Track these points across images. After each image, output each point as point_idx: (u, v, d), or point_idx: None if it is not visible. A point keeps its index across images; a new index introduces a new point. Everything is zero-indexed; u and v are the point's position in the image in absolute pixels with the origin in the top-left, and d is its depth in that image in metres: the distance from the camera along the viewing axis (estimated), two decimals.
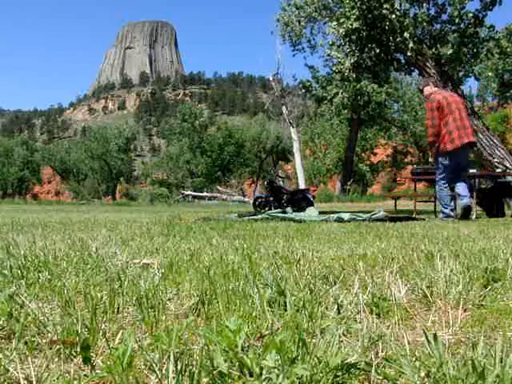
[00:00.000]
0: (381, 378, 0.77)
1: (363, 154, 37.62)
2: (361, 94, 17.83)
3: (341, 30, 9.04)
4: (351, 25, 8.77)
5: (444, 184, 5.99)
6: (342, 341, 0.94)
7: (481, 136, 8.61)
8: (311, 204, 10.79)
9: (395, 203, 8.95)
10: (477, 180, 8.59)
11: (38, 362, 0.85)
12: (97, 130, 51.59)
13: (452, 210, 6.02)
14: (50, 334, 0.98)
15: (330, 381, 0.72)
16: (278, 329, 1.00)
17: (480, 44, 9.17)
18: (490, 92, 29.33)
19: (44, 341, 0.95)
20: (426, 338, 0.82)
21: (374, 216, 5.63)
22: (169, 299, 1.32)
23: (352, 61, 9.23)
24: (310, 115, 35.76)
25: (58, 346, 0.90)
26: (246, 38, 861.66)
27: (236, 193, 32.02)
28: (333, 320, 1.05)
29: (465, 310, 1.23)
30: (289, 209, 6.62)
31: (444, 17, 8.98)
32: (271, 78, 20.92)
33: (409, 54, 8.79)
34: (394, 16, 8.54)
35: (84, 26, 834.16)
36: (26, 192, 54.50)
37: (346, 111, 19.45)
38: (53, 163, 56.95)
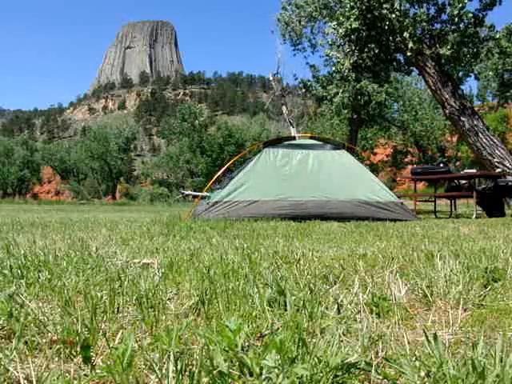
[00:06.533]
0: (381, 377, 0.77)
1: (363, 154, 37.60)
2: (361, 94, 17.82)
3: (340, 30, 9.04)
4: (350, 25, 8.76)
5: None
6: (342, 340, 0.94)
7: (481, 136, 8.61)
8: None
9: None
10: (477, 180, 8.61)
11: (37, 361, 0.85)
12: (97, 129, 51.58)
13: None
14: (49, 334, 0.98)
15: (329, 381, 0.72)
16: (278, 329, 1.00)
17: (480, 44, 9.16)
18: (490, 92, 29.32)
19: (44, 340, 0.95)
20: (426, 337, 0.82)
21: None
22: (169, 299, 1.32)
23: (351, 61, 9.22)
24: (310, 115, 35.74)
25: (57, 346, 0.90)
26: (246, 37, 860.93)
27: None
28: (333, 320, 1.05)
29: (465, 310, 1.23)
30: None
31: (444, 17, 8.97)
32: (271, 78, 20.90)
33: (408, 54, 8.79)
34: (393, 16, 8.54)
35: (84, 25, 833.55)
36: (26, 192, 54.50)
37: (346, 111, 19.42)
38: (53, 163, 56.99)
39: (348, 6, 8.82)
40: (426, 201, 10.61)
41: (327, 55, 11.17)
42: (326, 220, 5.49)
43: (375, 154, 40.17)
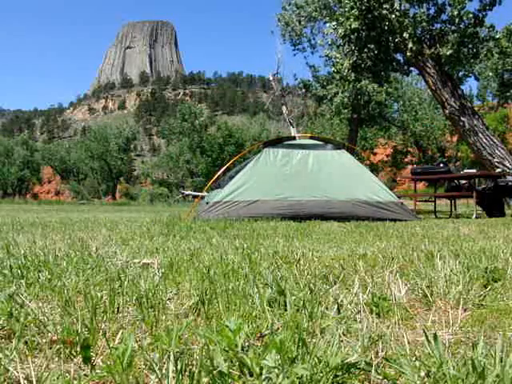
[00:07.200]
0: (381, 377, 0.77)
1: (363, 154, 37.58)
2: (361, 94, 17.83)
3: (340, 30, 9.03)
4: (350, 25, 8.76)
5: None
6: (342, 340, 0.95)
7: (481, 136, 8.60)
8: None
9: None
10: (477, 180, 8.60)
11: (37, 361, 0.85)
12: (97, 129, 51.58)
13: None
14: (49, 334, 0.98)
15: (329, 381, 0.72)
16: (278, 329, 1.00)
17: (480, 44, 9.16)
18: (490, 92, 29.31)
19: (44, 340, 0.95)
20: (426, 337, 0.82)
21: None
22: (169, 299, 1.32)
23: (351, 61, 9.22)
24: (310, 115, 35.75)
25: (57, 346, 0.90)
26: (246, 37, 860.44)
27: None
28: (333, 320, 1.05)
29: (465, 310, 1.23)
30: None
31: (444, 17, 8.97)
32: (271, 78, 20.92)
33: (408, 54, 8.79)
34: (393, 16, 8.53)
35: (84, 25, 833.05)
36: (26, 192, 54.50)
37: (346, 111, 19.44)
38: (53, 163, 57.00)
39: (348, 6, 8.82)
40: (426, 201, 10.61)
41: (327, 55, 11.17)
42: (326, 220, 5.49)
43: (375, 154, 40.18)
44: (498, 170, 8.15)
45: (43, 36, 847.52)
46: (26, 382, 0.76)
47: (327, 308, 1.17)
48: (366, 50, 9.16)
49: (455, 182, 8.58)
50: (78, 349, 0.87)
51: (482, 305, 1.28)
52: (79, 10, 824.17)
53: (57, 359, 0.87)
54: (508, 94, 23.35)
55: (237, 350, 0.78)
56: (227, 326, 0.81)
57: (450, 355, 0.81)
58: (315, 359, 0.75)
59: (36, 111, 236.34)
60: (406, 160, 38.08)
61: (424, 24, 8.78)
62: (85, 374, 0.80)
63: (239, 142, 40.17)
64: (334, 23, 9.39)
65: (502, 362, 0.71)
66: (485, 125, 8.89)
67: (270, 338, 0.79)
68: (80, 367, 0.84)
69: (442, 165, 8.45)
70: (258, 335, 0.94)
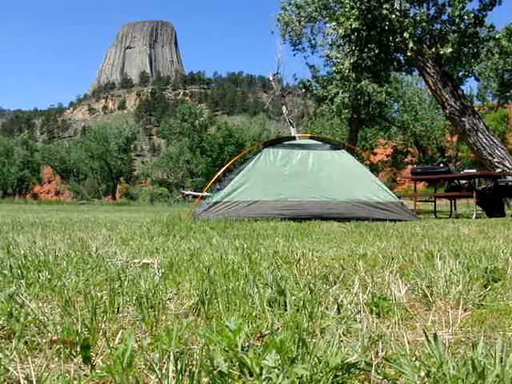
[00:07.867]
0: (381, 377, 0.77)
1: (363, 154, 37.56)
2: (361, 94, 17.83)
3: (340, 30, 9.03)
4: (351, 25, 8.76)
5: None
6: (342, 340, 0.95)
7: (481, 136, 8.60)
8: None
9: None
10: (477, 180, 8.60)
11: (37, 361, 0.85)
12: (97, 129, 51.61)
13: None
14: (49, 334, 0.98)
15: (329, 381, 0.72)
16: (278, 329, 1.00)
17: (480, 44, 9.16)
18: (490, 92, 29.30)
19: (44, 340, 0.95)
20: (426, 337, 0.82)
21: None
22: (169, 299, 1.32)
23: (352, 61, 9.22)
24: (310, 115, 35.75)
25: (57, 346, 0.90)
26: (246, 37, 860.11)
27: None
28: (333, 320, 1.05)
29: (465, 310, 1.23)
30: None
31: (444, 17, 8.97)
32: (271, 78, 20.94)
33: (408, 54, 8.79)
34: (393, 16, 8.53)
35: (84, 25, 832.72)
36: (26, 192, 54.50)
37: (346, 111, 19.42)
38: (53, 163, 57.01)
39: (348, 6, 8.82)
40: (426, 201, 10.61)
41: (327, 55, 11.17)
42: (326, 220, 5.49)
43: (375, 154, 40.17)
44: (498, 170, 8.15)
45: (43, 36, 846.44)
46: (25, 382, 0.76)
47: (327, 308, 1.17)
48: (366, 49, 9.16)
49: (455, 181, 8.58)
50: (78, 349, 0.87)
51: (482, 305, 1.28)
52: (79, 10, 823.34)
53: (57, 359, 0.87)
54: (508, 94, 23.36)
55: (237, 349, 0.78)
56: (227, 326, 0.81)
57: (450, 355, 0.81)
58: (315, 359, 0.75)
59: (36, 111, 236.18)
60: (406, 160, 38.08)
61: (424, 24, 8.78)
62: (85, 374, 0.80)
63: (239, 142, 40.15)
64: (334, 23, 9.39)
65: (502, 362, 0.71)
66: (485, 125, 8.88)
67: (269, 338, 0.79)
68: (80, 367, 0.84)
69: (442, 165, 8.45)
70: (258, 335, 0.94)
